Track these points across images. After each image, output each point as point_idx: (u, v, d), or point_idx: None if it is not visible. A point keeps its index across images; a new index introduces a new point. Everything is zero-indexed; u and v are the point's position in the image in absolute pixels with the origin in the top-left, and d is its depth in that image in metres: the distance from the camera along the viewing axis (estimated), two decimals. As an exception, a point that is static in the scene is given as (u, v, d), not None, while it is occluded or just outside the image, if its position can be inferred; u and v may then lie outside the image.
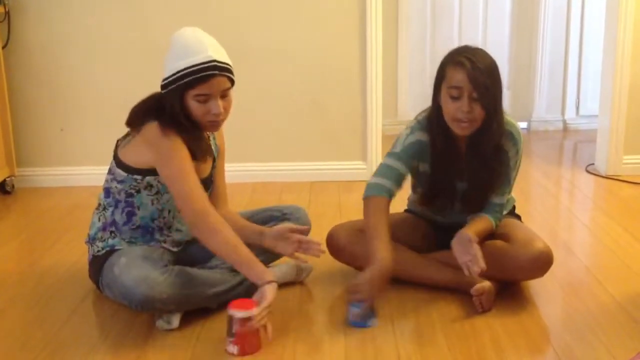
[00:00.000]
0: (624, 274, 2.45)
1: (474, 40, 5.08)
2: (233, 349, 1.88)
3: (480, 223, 2.23)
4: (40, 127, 3.75)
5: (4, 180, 3.59)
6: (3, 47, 3.58)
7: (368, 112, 3.76)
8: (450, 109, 2.11)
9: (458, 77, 2.07)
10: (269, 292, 1.92)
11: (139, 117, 2.11)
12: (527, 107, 5.32)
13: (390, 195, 2.21)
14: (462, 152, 2.23)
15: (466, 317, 2.09)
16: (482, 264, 2.01)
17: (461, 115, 2.09)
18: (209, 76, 2.02)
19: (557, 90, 5.27)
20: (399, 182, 2.23)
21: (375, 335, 2.00)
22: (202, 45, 2.03)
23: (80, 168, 3.74)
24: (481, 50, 2.13)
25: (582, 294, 2.28)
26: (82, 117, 3.73)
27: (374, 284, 2.03)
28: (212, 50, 2.04)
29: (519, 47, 5.26)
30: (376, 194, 2.20)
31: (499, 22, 5.24)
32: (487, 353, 1.89)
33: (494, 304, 2.14)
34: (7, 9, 3.56)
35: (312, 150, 3.83)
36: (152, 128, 2.06)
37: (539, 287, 2.29)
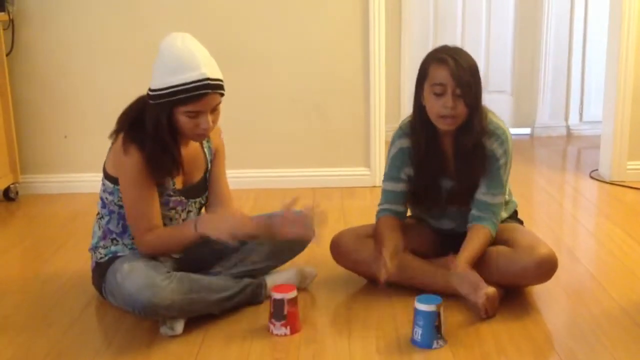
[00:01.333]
0: (628, 280, 2.44)
1: (477, 46, 5.10)
2: (285, 330, 2.02)
3: (476, 240, 2.19)
4: (43, 134, 3.76)
5: (8, 187, 3.60)
6: (7, 55, 3.59)
7: (371, 117, 3.76)
8: (434, 106, 2.14)
9: (441, 74, 2.10)
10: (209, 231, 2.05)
11: (119, 124, 2.11)
12: (530, 113, 5.32)
13: (397, 213, 2.33)
14: (448, 149, 2.25)
15: (471, 323, 2.09)
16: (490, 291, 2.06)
17: (445, 112, 2.12)
18: (202, 95, 1.98)
19: (560, 96, 5.27)
20: (398, 200, 2.35)
21: (380, 341, 1.99)
22: (195, 60, 1.98)
23: (83, 175, 3.75)
24: (461, 49, 2.18)
25: (586, 300, 2.28)
26: (85, 124, 3.74)
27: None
28: (205, 66, 1.99)
29: (522, 53, 5.26)
30: (378, 217, 2.34)
31: (502, 28, 5.25)
32: (492, 359, 1.88)
33: (498, 309, 2.14)
34: (11, 17, 3.57)
35: (315, 157, 3.84)
36: (119, 140, 2.07)
37: (543, 293, 2.29)
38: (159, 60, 2.03)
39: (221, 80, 2.04)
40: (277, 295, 2.02)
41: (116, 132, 2.11)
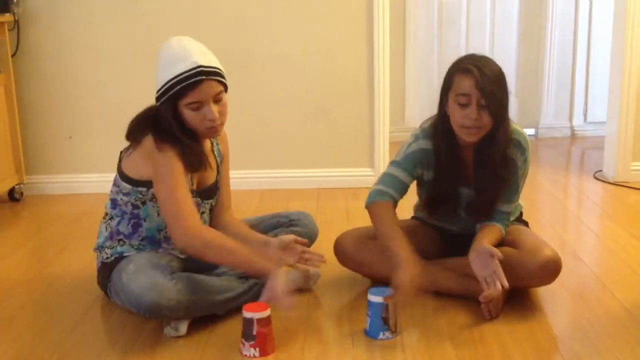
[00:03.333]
0: (632, 281, 2.44)
1: (482, 47, 5.09)
2: (254, 351, 1.90)
3: (492, 234, 2.21)
4: (48, 135, 3.77)
5: (13, 187, 3.61)
6: (12, 55, 3.60)
7: (375, 118, 3.76)
8: (458, 116, 2.11)
9: (466, 84, 2.08)
10: (276, 284, 1.96)
11: (137, 130, 2.11)
12: (534, 114, 5.31)
13: (393, 200, 2.24)
14: (468, 159, 2.24)
15: (474, 324, 2.09)
16: (505, 282, 2.00)
17: (469, 123, 2.09)
18: (197, 82, 1.99)
19: (564, 97, 5.27)
20: (401, 191, 2.25)
21: (384, 342, 1.99)
22: (187, 53, 2.01)
23: (88, 175, 3.76)
24: (488, 58, 2.14)
25: (590, 301, 2.27)
26: (90, 124, 3.75)
27: (413, 283, 2.03)
28: (198, 55, 2.01)
29: (527, 54, 5.26)
30: (379, 199, 2.23)
31: (506, 29, 5.24)
32: (495, 360, 1.89)
33: (502, 311, 2.14)
34: (16, 18, 3.58)
35: (320, 157, 3.84)
36: (148, 142, 2.06)
37: (547, 294, 2.29)
38: (157, 62, 2.06)
39: (218, 69, 2.05)
40: (246, 314, 1.89)
41: (136, 138, 2.10)
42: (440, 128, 2.21)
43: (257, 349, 1.89)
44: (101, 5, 3.65)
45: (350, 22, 3.69)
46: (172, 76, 2.00)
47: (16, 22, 3.60)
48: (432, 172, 2.26)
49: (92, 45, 3.69)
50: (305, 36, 3.71)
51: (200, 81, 2.00)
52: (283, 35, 3.70)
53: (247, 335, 1.90)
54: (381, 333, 1.99)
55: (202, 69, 2.00)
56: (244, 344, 1.91)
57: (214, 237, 2.03)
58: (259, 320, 1.88)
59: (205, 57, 2.03)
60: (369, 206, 2.24)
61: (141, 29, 3.66)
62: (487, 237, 2.18)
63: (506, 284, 2.00)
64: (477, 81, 2.05)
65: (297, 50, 3.72)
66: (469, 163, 2.24)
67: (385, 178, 2.26)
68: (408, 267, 2.05)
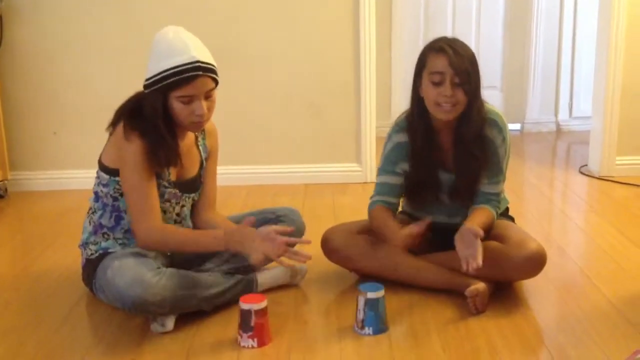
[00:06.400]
0: (617, 275, 2.46)
1: (467, 42, 5.05)
2: (252, 342, 1.92)
3: (482, 215, 2.24)
4: (33, 131, 3.75)
5: (-3, 184, 3.59)
6: (-4, 51, 3.58)
7: (362, 114, 3.76)
8: (432, 94, 2.14)
9: (440, 62, 2.11)
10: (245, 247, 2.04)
11: (116, 116, 2.11)
12: (520, 109, 5.33)
13: (390, 204, 2.33)
14: (445, 143, 2.26)
15: (460, 318, 2.09)
16: (479, 261, 2.01)
17: (443, 100, 2.12)
18: (193, 77, 2.00)
19: (550, 92, 5.29)
20: (394, 193, 2.34)
21: (370, 337, 1.99)
22: (186, 46, 2.01)
23: (73, 171, 3.74)
24: (459, 40, 2.19)
25: (576, 295, 2.29)
26: (75, 120, 3.73)
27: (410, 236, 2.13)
28: (196, 50, 2.01)
29: (512, 49, 5.27)
30: (376, 206, 2.32)
31: (492, 25, 5.26)
32: (482, 354, 1.89)
33: (488, 305, 2.15)
34: (0, 13, 3.56)
35: (307, 153, 3.84)
36: (119, 129, 2.06)
37: (533, 289, 2.30)
38: (152, 50, 2.06)
39: (213, 66, 2.05)
40: (244, 306, 1.92)
41: (114, 124, 2.10)
42: (415, 112, 2.24)
43: (255, 339, 1.92)
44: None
45: (337, 18, 3.68)
46: (168, 67, 1.99)
47: (0, 17, 3.56)
48: (410, 160, 2.29)
49: (77, 40, 3.66)
50: (292, 32, 3.70)
51: (196, 76, 2.00)
52: (270, 31, 3.69)
53: (244, 326, 1.92)
54: (379, 328, 1.99)
55: (199, 64, 2.00)
56: (241, 335, 1.93)
57: (172, 231, 2.13)
58: (257, 312, 1.91)
59: (202, 53, 2.03)
60: (369, 214, 2.33)
61: (128, 24, 3.63)
62: (475, 219, 2.19)
63: (479, 263, 2.00)
64: (451, 59, 2.09)
65: (284, 46, 3.71)
66: (447, 146, 2.26)
67: (378, 188, 2.36)
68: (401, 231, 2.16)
